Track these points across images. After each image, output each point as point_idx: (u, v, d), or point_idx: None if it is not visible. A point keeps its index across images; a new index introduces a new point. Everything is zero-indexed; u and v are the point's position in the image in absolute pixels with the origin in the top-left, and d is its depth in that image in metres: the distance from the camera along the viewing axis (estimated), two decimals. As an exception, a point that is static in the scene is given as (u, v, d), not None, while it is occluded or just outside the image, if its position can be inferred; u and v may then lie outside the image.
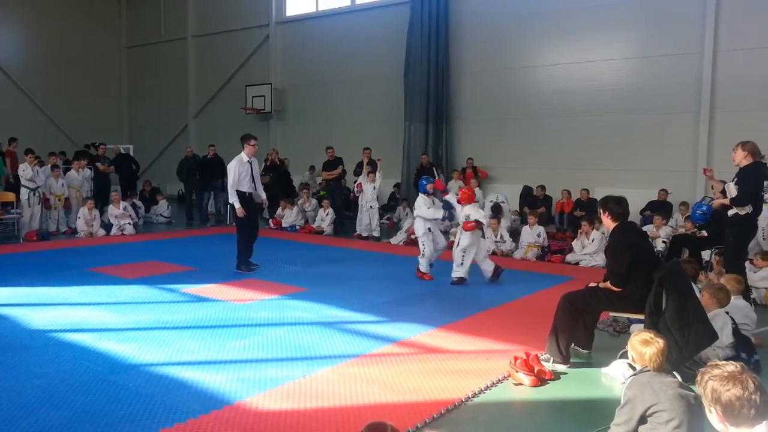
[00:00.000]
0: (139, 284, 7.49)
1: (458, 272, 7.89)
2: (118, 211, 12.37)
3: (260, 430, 3.61)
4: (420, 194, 8.37)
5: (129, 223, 12.36)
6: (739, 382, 2.22)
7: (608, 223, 4.93)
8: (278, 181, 14.89)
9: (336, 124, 16.98)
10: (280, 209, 13.90)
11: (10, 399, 3.95)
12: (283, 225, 13.55)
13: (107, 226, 12.34)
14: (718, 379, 2.26)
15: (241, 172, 8.39)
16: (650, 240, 5.53)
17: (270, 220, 13.76)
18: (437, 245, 8.26)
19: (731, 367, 2.28)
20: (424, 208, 8.14)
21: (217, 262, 9.22)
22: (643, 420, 3.00)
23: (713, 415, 2.31)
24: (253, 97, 18.61)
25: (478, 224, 7.78)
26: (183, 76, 21.02)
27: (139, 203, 14.36)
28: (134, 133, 22.42)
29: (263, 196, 9.16)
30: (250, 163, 8.55)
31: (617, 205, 4.86)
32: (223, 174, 15.05)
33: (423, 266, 8.17)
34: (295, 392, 4.17)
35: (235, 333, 5.55)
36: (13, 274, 8.07)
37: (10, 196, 11.54)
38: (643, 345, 3.22)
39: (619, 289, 4.70)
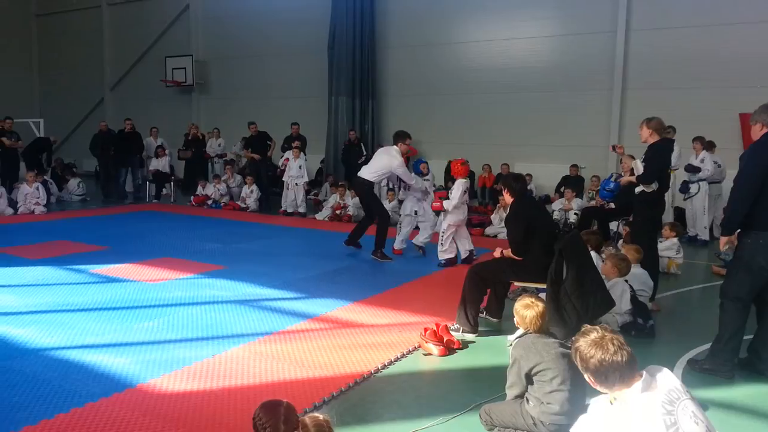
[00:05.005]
0: (44, 265, 7.13)
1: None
2: (30, 190, 11.73)
3: (162, 411, 3.53)
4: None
5: (38, 203, 11.73)
6: (600, 348, 2.32)
7: (508, 199, 5.24)
8: (199, 157, 14.49)
9: (261, 99, 16.60)
10: (200, 187, 13.56)
11: None
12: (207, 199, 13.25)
13: (15, 205, 11.68)
14: (584, 347, 2.37)
15: None
16: (548, 212, 5.81)
17: (192, 198, 13.39)
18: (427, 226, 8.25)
19: (594, 334, 2.39)
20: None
21: (132, 240, 8.91)
22: (529, 379, 3.15)
23: (589, 382, 2.43)
24: (173, 69, 17.92)
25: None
26: (98, 47, 20.00)
27: (50, 180, 13.65)
28: (46, 106, 21.20)
29: None
30: None
31: (516, 182, 5.21)
32: (142, 149, 14.54)
33: (397, 243, 8.28)
34: (202, 372, 4.09)
35: (143, 314, 5.38)
36: None
37: None
38: (525, 308, 3.42)
39: (519, 258, 4.89)
